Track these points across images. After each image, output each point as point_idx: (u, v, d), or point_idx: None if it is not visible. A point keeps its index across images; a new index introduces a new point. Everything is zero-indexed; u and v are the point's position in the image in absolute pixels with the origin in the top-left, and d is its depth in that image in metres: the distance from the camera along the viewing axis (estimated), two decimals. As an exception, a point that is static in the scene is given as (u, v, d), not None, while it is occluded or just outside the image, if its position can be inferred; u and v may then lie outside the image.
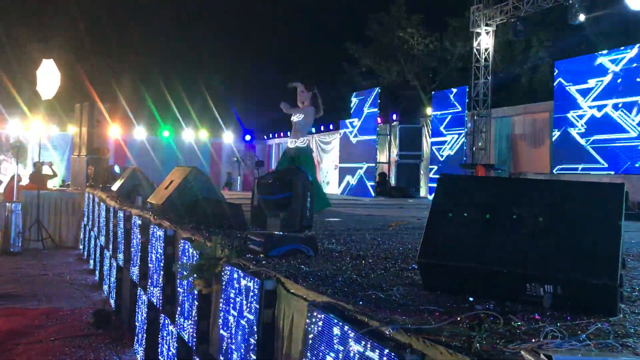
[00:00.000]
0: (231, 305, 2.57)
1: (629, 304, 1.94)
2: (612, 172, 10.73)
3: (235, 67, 29.10)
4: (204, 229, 3.75)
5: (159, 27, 28.36)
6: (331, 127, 19.75)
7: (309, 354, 1.83)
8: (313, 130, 19.65)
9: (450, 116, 14.51)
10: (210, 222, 3.96)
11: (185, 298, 3.39)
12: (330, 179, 19.76)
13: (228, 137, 23.20)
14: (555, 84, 12.23)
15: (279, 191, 2.97)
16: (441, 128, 14.74)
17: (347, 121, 16.88)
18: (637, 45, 10.74)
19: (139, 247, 4.94)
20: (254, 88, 28.44)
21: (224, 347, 2.62)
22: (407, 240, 3.98)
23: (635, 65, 10.64)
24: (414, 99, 16.27)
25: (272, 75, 27.46)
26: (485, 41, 14.86)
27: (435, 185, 2.37)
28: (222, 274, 2.74)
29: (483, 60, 14.86)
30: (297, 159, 6.72)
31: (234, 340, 2.51)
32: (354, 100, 16.55)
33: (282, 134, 22.59)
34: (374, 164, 15.54)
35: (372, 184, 15.36)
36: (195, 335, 3.18)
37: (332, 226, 4.95)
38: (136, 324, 4.91)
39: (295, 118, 6.96)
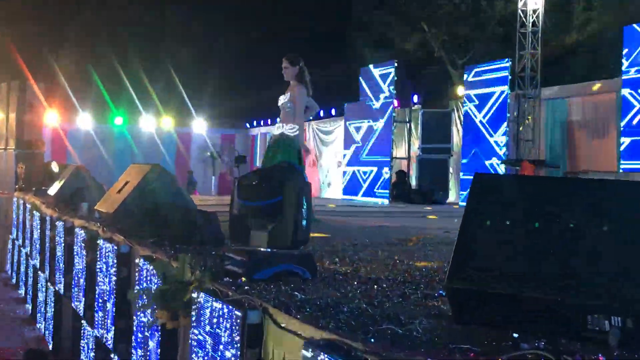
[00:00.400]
0: (204, 343, 2.57)
1: None
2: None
3: (210, 37, 29.11)
4: (169, 244, 3.75)
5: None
6: (333, 112, 19.70)
7: (305, 407, 1.83)
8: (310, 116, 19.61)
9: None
10: (177, 236, 3.96)
11: (145, 334, 3.38)
12: (331, 179, 19.74)
13: (199, 126, 23.20)
14: (623, 55, 12.24)
15: (267, 195, 2.97)
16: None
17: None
18: None
19: (84, 268, 4.94)
20: (233, 63, 28.45)
21: (195, 398, 2.62)
22: (432, 258, 3.98)
23: None
24: (440, 76, 16.28)
25: (258, 45, 27.49)
26: (533, 0, 14.89)
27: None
28: (193, 303, 2.74)
29: (530, 25, 14.88)
30: (275, 148, 6.83)
31: (207, 389, 2.51)
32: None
33: (269, 121, 22.58)
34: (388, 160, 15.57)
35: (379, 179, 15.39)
36: (157, 382, 3.18)
37: (334, 240, 4.95)
38: (80, 368, 4.91)
39: (283, 99, 7.03)
